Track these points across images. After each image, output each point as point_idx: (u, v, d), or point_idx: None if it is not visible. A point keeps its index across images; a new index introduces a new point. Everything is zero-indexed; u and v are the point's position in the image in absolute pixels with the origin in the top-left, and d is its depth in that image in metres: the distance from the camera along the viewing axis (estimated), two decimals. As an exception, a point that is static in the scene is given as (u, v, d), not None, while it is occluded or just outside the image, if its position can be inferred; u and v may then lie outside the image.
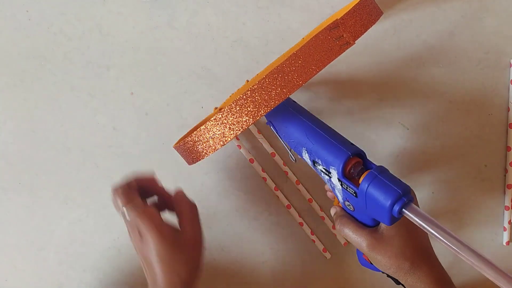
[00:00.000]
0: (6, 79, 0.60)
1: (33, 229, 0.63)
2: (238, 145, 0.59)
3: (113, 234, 0.62)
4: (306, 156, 0.48)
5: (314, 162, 0.47)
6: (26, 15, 0.59)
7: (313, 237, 0.60)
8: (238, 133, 0.45)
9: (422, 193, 0.59)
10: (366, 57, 0.57)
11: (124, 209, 0.47)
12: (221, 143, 0.46)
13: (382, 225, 0.47)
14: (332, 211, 0.51)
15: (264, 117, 0.57)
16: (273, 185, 0.59)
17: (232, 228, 0.61)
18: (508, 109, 0.57)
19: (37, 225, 0.62)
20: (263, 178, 0.59)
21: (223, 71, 0.58)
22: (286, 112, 0.49)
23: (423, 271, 0.46)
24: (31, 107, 0.60)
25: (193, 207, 0.51)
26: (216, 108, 0.59)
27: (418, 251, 0.46)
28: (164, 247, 0.46)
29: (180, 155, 0.52)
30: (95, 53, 0.59)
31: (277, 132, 0.50)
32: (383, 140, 0.58)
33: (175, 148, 0.53)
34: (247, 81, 0.58)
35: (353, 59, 0.57)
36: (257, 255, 0.61)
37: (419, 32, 0.56)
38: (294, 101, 0.51)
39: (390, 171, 0.49)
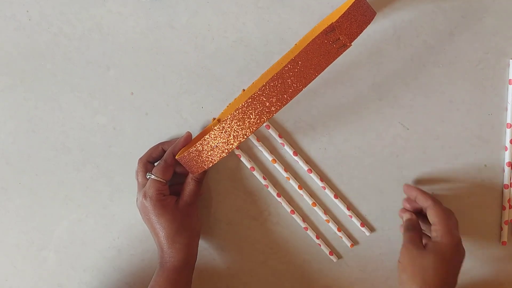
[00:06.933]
0: (6, 79, 0.60)
1: (33, 229, 0.63)
2: (238, 155, 0.59)
3: (113, 234, 0.62)
4: None
5: None
6: (26, 15, 0.59)
7: (319, 241, 0.60)
8: (242, 140, 0.45)
9: (422, 193, 0.59)
10: (366, 57, 0.57)
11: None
12: (226, 150, 0.46)
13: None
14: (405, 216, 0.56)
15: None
16: (275, 192, 0.59)
17: (232, 228, 0.61)
18: (507, 109, 0.57)
19: (37, 225, 0.62)
20: (265, 185, 0.59)
21: (223, 71, 0.58)
22: None
23: None
24: (31, 107, 0.60)
25: (196, 183, 0.56)
26: (214, 119, 0.59)
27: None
28: (165, 219, 0.53)
29: (183, 165, 0.52)
30: (95, 53, 0.59)
31: None
32: (383, 140, 0.58)
33: (178, 160, 0.53)
34: (243, 90, 0.58)
35: (353, 59, 0.57)
36: (257, 255, 0.61)
37: (419, 32, 0.56)
38: None
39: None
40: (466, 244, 0.59)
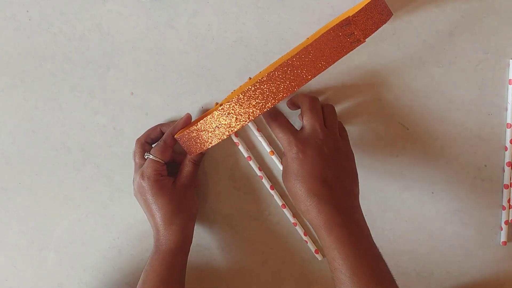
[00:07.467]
0: (6, 79, 0.60)
1: (33, 229, 0.63)
2: (236, 142, 0.59)
3: (113, 234, 0.62)
4: None
5: None
6: (26, 15, 0.59)
7: (306, 238, 0.60)
8: (244, 124, 0.45)
9: (422, 193, 0.59)
10: (366, 57, 0.57)
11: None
12: (227, 133, 0.46)
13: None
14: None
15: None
16: (269, 184, 0.59)
17: (232, 228, 0.61)
18: (507, 109, 0.57)
19: (37, 225, 0.62)
20: (259, 176, 0.59)
21: (223, 71, 0.58)
22: None
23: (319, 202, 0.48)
24: (31, 107, 0.60)
25: (193, 165, 0.56)
26: (217, 103, 0.59)
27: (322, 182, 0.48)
28: (162, 200, 0.53)
29: (181, 145, 0.52)
30: (95, 53, 0.59)
31: None
32: (383, 140, 0.58)
33: (177, 139, 0.53)
34: (250, 78, 0.58)
35: (353, 59, 0.57)
36: (257, 255, 0.61)
37: (419, 32, 0.56)
38: None
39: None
40: (466, 244, 0.59)
